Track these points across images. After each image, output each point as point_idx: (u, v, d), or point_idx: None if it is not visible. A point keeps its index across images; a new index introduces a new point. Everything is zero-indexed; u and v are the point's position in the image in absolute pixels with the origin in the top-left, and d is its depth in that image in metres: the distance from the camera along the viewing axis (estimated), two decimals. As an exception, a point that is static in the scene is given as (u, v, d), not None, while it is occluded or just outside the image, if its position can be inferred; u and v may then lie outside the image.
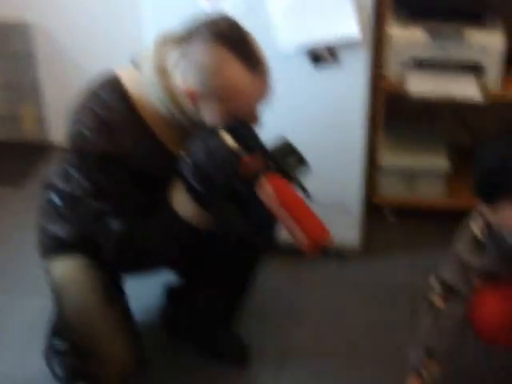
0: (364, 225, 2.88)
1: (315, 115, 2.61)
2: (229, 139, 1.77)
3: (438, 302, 1.99)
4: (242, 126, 1.82)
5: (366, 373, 2.35)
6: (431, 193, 3.02)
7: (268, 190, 1.75)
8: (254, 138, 1.85)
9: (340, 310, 2.63)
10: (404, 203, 3.04)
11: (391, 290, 2.70)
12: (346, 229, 2.80)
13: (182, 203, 1.87)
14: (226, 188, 1.79)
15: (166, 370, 2.35)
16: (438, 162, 3.00)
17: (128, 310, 2.16)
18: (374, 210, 3.05)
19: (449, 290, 1.98)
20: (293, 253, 2.67)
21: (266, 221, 1.81)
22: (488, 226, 1.89)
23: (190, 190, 1.82)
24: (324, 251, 1.82)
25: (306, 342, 2.49)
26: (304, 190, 1.85)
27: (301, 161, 1.86)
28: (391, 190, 3.03)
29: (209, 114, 1.85)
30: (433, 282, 2.02)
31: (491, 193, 1.60)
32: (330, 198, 2.67)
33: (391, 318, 2.57)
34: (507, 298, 1.95)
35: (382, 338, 2.49)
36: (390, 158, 3.00)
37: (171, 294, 2.49)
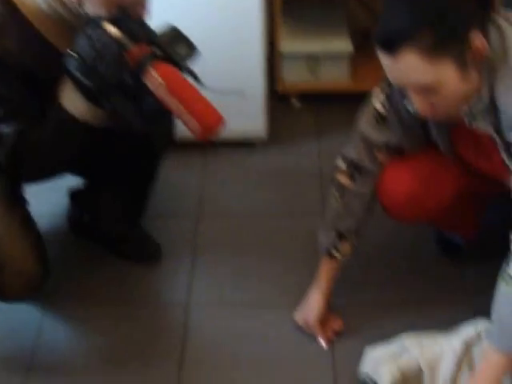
0: (269, 113, 2.85)
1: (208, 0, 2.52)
2: (113, 29, 1.69)
3: (345, 180, 1.98)
4: (128, 15, 1.74)
5: (278, 262, 2.35)
6: (335, 76, 2.99)
7: (156, 79, 1.69)
8: (141, 26, 1.77)
9: (250, 200, 2.61)
10: (308, 89, 3.01)
11: (301, 177, 2.70)
12: (251, 118, 2.77)
13: (72, 101, 1.80)
14: (114, 80, 1.72)
15: (76, 273, 2.32)
16: (341, 44, 2.96)
17: (30, 219, 2.09)
18: (279, 97, 3.02)
19: (354, 168, 1.97)
20: (200, 146, 2.69)
21: (159, 112, 1.76)
22: (389, 98, 1.87)
23: (79, 85, 1.75)
24: (216, 137, 1.79)
25: (218, 235, 2.48)
26: (195, 76, 1.79)
27: (190, 48, 1.80)
28: (294, 77, 2.99)
29: (91, 6, 1.76)
30: (338, 161, 2.01)
31: (393, 38, 1.56)
32: (231, 88, 2.62)
33: (302, 205, 2.57)
34: (411, 171, 1.95)
35: (293, 225, 2.49)
36: (291, 44, 2.95)
37: (76, 196, 2.43)
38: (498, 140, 1.68)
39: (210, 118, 1.73)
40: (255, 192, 2.65)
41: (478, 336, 1.86)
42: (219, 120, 1.75)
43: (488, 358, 1.70)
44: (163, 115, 1.76)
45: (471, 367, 1.82)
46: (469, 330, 1.88)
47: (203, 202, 2.60)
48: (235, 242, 2.44)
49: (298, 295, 2.13)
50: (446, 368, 1.82)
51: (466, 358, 1.83)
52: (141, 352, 2.08)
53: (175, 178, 2.68)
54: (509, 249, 1.68)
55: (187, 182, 2.70)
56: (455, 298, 2.19)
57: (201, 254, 2.40)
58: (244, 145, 2.82)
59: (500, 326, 1.68)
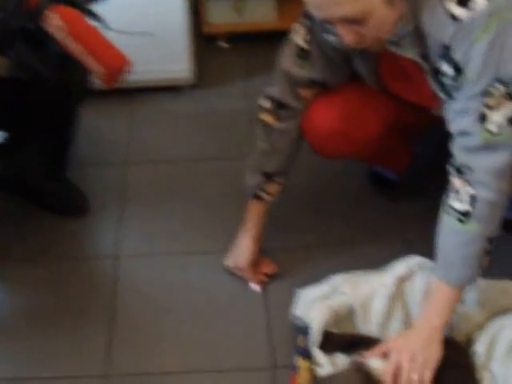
0: (196, 55, 2.78)
1: None
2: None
3: (269, 119, 1.93)
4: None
5: (209, 207, 2.31)
6: (262, 15, 2.93)
7: (56, 23, 1.61)
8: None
9: (178, 145, 2.56)
10: (235, 29, 2.96)
11: (230, 120, 2.65)
12: (176, 61, 2.71)
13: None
14: (15, 27, 1.64)
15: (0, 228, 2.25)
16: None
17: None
18: (206, 39, 2.96)
19: (278, 106, 1.92)
20: (126, 92, 2.63)
21: (66, 58, 1.68)
22: (310, 32, 1.82)
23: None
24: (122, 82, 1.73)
25: (147, 182, 2.42)
26: (99, 19, 1.72)
27: None
28: (220, 17, 2.93)
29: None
30: (262, 100, 1.95)
31: None
32: (155, 32, 2.54)
33: (232, 148, 2.53)
34: (336, 105, 1.91)
35: (224, 168, 2.44)
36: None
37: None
38: (425, 66, 1.65)
39: (114, 62, 1.68)
40: (183, 137, 2.59)
41: (410, 272, 1.84)
42: (124, 63, 1.69)
43: (437, 292, 1.68)
44: (72, 62, 1.69)
45: (404, 304, 1.81)
46: (401, 266, 1.86)
47: (131, 149, 2.54)
48: (164, 189, 2.39)
49: (230, 240, 2.08)
50: (378, 306, 1.80)
51: (398, 295, 1.82)
52: (70, 307, 2.03)
53: (101, 125, 2.62)
54: (446, 180, 1.67)
55: (114, 130, 2.63)
56: (389, 235, 2.18)
57: (129, 202, 2.34)
58: (171, 89, 2.75)
59: (446, 259, 1.67)
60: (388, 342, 1.71)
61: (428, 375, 1.63)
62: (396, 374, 1.64)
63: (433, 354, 1.65)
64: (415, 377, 1.63)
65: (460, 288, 1.67)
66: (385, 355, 1.68)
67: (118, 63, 1.68)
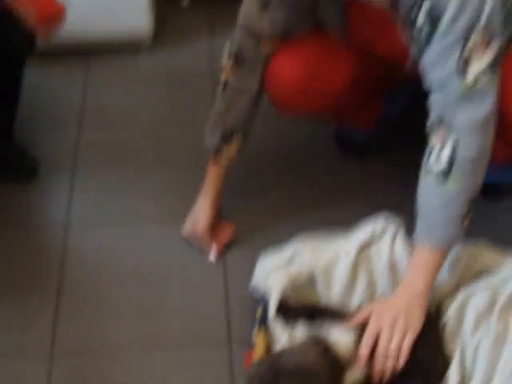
0: (155, 11, 2.65)
1: None
2: None
3: (228, 74, 1.84)
4: None
5: (166, 175, 2.18)
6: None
7: None
8: None
9: (137, 107, 2.43)
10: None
11: (191, 81, 2.52)
12: (134, 18, 2.57)
13: None
14: None
15: None
16: None
17: None
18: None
19: (238, 61, 1.82)
20: (82, 51, 2.53)
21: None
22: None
23: None
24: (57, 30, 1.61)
25: (101, 148, 2.28)
26: None
27: None
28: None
29: None
30: (223, 56, 1.86)
31: None
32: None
33: (193, 112, 2.39)
34: (300, 57, 1.81)
35: (184, 134, 2.31)
36: None
37: None
38: (396, 14, 1.55)
39: (46, 8, 1.56)
40: (142, 99, 2.46)
41: (375, 237, 1.73)
42: (57, 10, 1.58)
43: (420, 255, 1.58)
44: (8, 15, 1.57)
45: (368, 272, 1.71)
46: (365, 230, 1.75)
47: (85, 112, 2.41)
48: (120, 155, 2.26)
49: (187, 208, 1.96)
50: (340, 274, 1.69)
51: (362, 263, 1.71)
52: (14, 279, 1.92)
53: (54, 87, 2.49)
54: (414, 139, 1.61)
55: (67, 92, 2.49)
56: (356, 197, 2.07)
57: (82, 168, 2.22)
58: (128, 48, 2.62)
59: (428, 221, 1.58)
60: (369, 307, 1.59)
61: (408, 342, 1.52)
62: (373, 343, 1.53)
63: (415, 320, 1.54)
64: (392, 345, 1.51)
65: (443, 250, 1.58)
66: (364, 323, 1.56)
67: (50, 9, 1.57)
